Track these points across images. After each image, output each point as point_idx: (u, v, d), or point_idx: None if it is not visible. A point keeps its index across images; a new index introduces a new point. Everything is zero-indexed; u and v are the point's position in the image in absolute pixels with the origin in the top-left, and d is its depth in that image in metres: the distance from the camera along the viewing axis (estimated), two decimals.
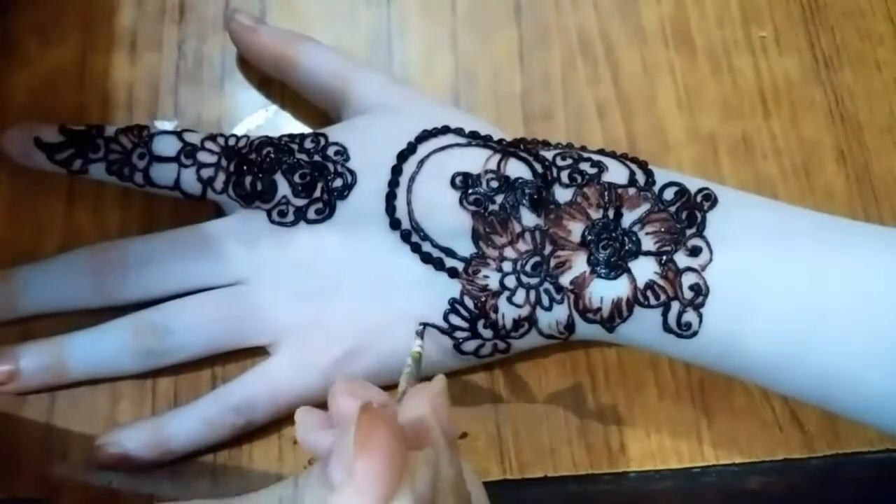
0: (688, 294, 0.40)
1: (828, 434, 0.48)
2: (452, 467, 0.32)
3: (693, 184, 0.42)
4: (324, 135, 0.46)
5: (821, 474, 0.47)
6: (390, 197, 0.43)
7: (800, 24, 0.56)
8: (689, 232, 0.41)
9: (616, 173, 0.43)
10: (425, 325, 0.43)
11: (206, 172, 0.45)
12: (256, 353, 0.46)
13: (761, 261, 0.40)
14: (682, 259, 0.40)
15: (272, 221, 0.44)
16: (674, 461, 0.47)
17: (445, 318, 0.43)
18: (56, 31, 0.52)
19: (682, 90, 0.54)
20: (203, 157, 0.45)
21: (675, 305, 0.40)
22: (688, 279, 0.40)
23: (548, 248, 0.41)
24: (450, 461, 0.32)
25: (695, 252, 0.40)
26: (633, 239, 0.41)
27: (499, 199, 0.42)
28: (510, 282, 0.42)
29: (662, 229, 0.41)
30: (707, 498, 0.47)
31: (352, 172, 0.44)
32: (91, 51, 0.52)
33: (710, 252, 0.40)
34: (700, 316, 0.40)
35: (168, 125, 0.50)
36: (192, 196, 0.45)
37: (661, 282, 0.40)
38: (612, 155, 0.44)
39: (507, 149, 0.44)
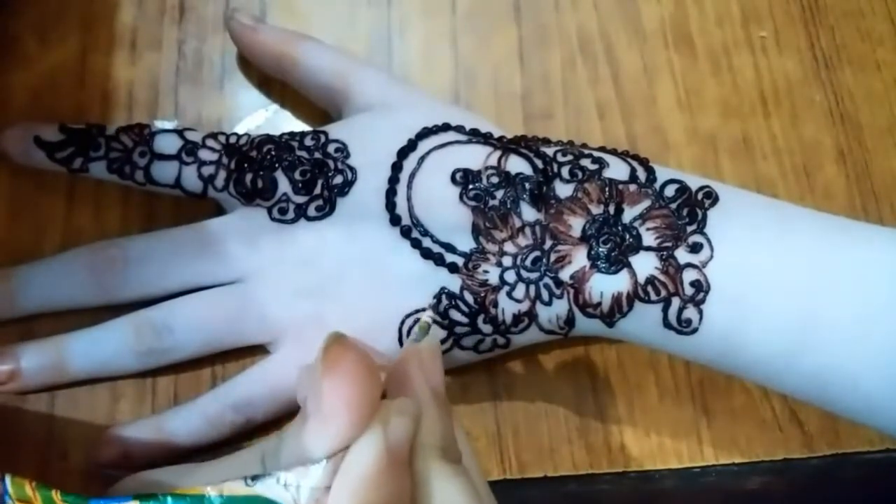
0: (688, 290, 0.40)
1: (828, 434, 0.48)
2: (440, 425, 0.32)
3: (694, 181, 0.42)
4: (324, 132, 0.46)
5: (821, 474, 0.47)
6: (390, 193, 0.43)
7: (800, 24, 0.56)
8: (689, 229, 0.41)
9: (617, 170, 0.43)
10: (439, 297, 0.43)
11: (207, 170, 0.45)
12: (256, 351, 0.46)
13: (762, 259, 0.40)
14: (682, 255, 0.40)
15: (273, 219, 0.45)
16: (674, 461, 0.47)
17: (445, 313, 0.43)
18: (56, 30, 0.52)
19: (682, 90, 0.54)
20: (204, 154, 0.45)
21: (676, 301, 0.40)
22: (688, 275, 0.40)
23: (548, 243, 0.41)
24: (438, 418, 0.32)
25: (695, 249, 0.40)
26: (634, 234, 0.41)
27: (499, 194, 0.42)
28: (510, 276, 0.42)
29: (663, 225, 0.41)
30: (707, 498, 0.47)
31: (352, 169, 0.44)
32: (91, 51, 0.52)
33: (711, 249, 0.40)
34: (700, 312, 0.40)
35: (168, 125, 0.50)
36: (192, 194, 0.45)
37: (661, 277, 0.40)
38: (613, 152, 0.44)
39: (508, 145, 0.44)
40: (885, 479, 0.47)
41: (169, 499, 0.32)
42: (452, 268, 0.42)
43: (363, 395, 0.29)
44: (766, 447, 0.47)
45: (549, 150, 0.44)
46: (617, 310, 0.41)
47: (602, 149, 0.45)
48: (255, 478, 0.31)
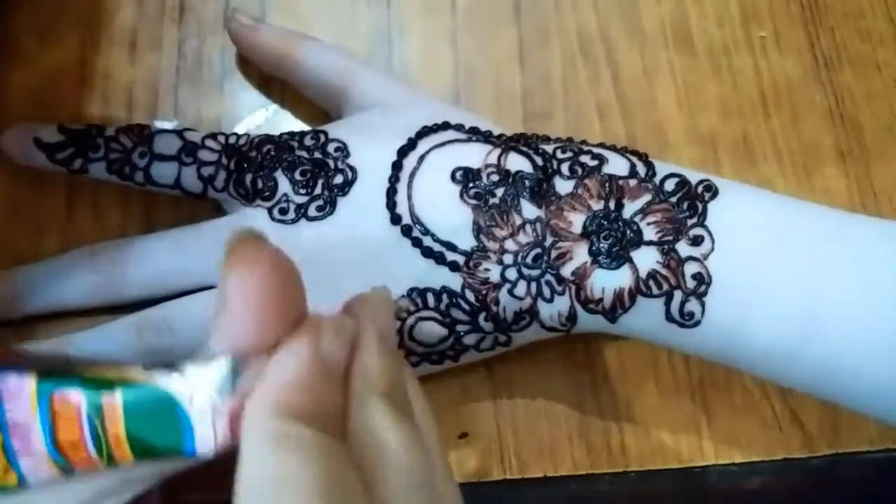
0: (690, 283, 0.40)
1: (828, 434, 0.48)
2: (384, 368, 0.30)
3: (694, 175, 0.42)
4: (324, 132, 0.46)
5: (821, 474, 0.47)
6: (391, 192, 0.43)
7: (800, 24, 0.56)
8: (690, 222, 0.41)
9: (617, 165, 0.43)
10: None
11: (207, 170, 0.45)
12: None
13: (763, 250, 0.40)
14: (683, 248, 0.40)
15: (273, 219, 0.44)
16: (674, 461, 0.47)
17: (446, 312, 0.43)
18: (56, 31, 0.52)
19: (682, 90, 0.54)
20: (204, 155, 0.45)
21: (678, 295, 0.40)
22: (690, 268, 0.40)
23: (549, 240, 0.41)
24: (381, 359, 0.30)
25: (696, 241, 0.40)
26: (635, 229, 0.41)
27: (499, 192, 0.42)
28: (511, 274, 0.42)
29: (664, 219, 0.41)
30: (707, 498, 0.47)
31: (352, 168, 0.44)
32: (91, 51, 0.52)
33: (712, 241, 0.40)
34: (703, 305, 0.40)
35: (168, 125, 0.50)
36: (192, 194, 0.45)
37: (663, 271, 0.40)
38: (613, 148, 0.44)
39: (508, 143, 0.44)
40: (885, 479, 0.47)
41: (77, 381, 0.28)
42: (453, 266, 0.42)
43: (272, 291, 0.27)
44: (766, 447, 0.47)
45: (549, 147, 0.44)
46: (619, 305, 0.41)
47: (601, 145, 0.45)
48: (152, 366, 0.28)
